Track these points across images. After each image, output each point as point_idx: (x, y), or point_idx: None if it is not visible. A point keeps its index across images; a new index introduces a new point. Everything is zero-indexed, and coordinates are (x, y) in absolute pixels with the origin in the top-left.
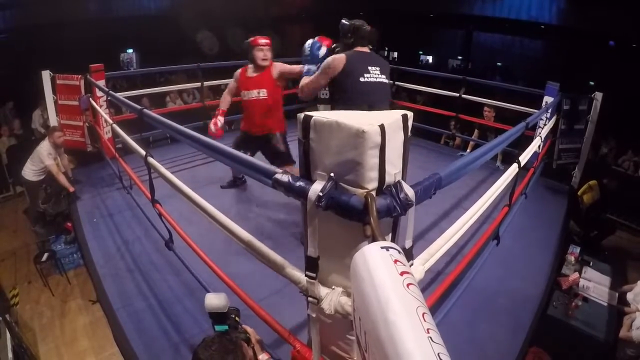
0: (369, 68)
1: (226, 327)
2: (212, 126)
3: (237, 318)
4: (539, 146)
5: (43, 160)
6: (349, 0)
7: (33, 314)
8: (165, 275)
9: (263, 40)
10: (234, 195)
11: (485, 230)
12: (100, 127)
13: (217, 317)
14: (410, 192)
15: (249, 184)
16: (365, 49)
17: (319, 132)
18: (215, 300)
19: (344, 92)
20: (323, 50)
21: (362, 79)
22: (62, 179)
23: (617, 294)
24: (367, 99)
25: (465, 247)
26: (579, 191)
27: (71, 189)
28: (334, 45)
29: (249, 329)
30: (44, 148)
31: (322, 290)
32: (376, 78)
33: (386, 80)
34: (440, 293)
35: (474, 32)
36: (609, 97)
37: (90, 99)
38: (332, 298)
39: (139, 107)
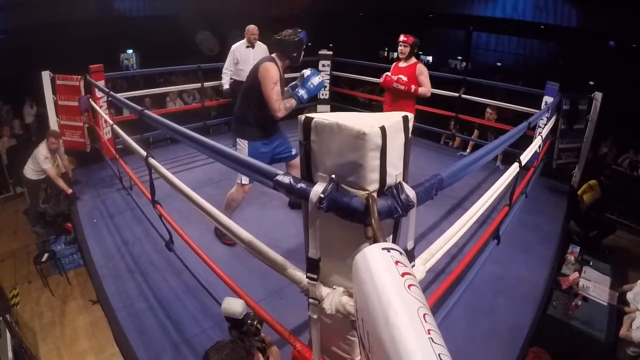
0: None
1: None
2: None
3: (258, 325)
4: (539, 146)
5: (41, 164)
6: (349, 0)
7: (33, 314)
8: (166, 276)
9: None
10: None
11: (485, 230)
12: (100, 128)
13: (233, 322)
14: (411, 193)
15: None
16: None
17: (320, 134)
18: (231, 305)
19: None
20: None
21: None
22: (60, 183)
23: (617, 294)
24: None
25: (465, 246)
26: (579, 191)
27: (69, 192)
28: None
29: (267, 339)
30: (41, 152)
31: (324, 291)
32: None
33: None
34: (441, 293)
35: (474, 32)
36: (609, 97)
37: (90, 99)
38: (333, 298)
39: (139, 107)
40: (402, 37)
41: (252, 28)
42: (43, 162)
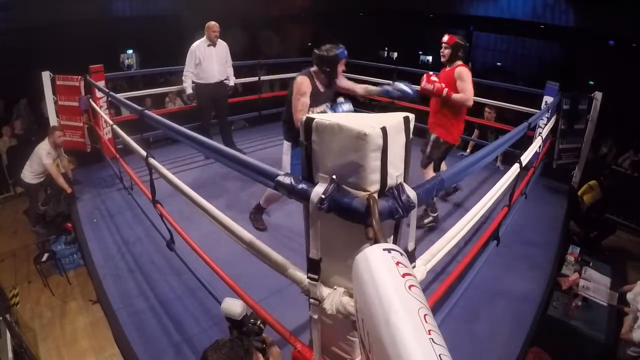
0: None
1: None
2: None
3: (261, 325)
4: (539, 146)
5: (42, 159)
6: (349, 0)
7: (33, 314)
8: (166, 276)
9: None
10: (234, 196)
11: (485, 231)
12: (100, 128)
13: (233, 322)
14: (412, 194)
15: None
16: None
17: (321, 135)
18: (231, 306)
19: None
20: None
21: None
22: (61, 181)
23: (617, 294)
24: None
25: (465, 247)
26: (579, 191)
27: (69, 191)
28: None
29: (268, 340)
30: (43, 148)
31: (324, 291)
32: None
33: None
34: (441, 293)
35: (474, 32)
36: (609, 97)
37: (90, 99)
38: (333, 298)
39: (139, 108)
40: (444, 38)
41: (212, 25)
42: (45, 158)
